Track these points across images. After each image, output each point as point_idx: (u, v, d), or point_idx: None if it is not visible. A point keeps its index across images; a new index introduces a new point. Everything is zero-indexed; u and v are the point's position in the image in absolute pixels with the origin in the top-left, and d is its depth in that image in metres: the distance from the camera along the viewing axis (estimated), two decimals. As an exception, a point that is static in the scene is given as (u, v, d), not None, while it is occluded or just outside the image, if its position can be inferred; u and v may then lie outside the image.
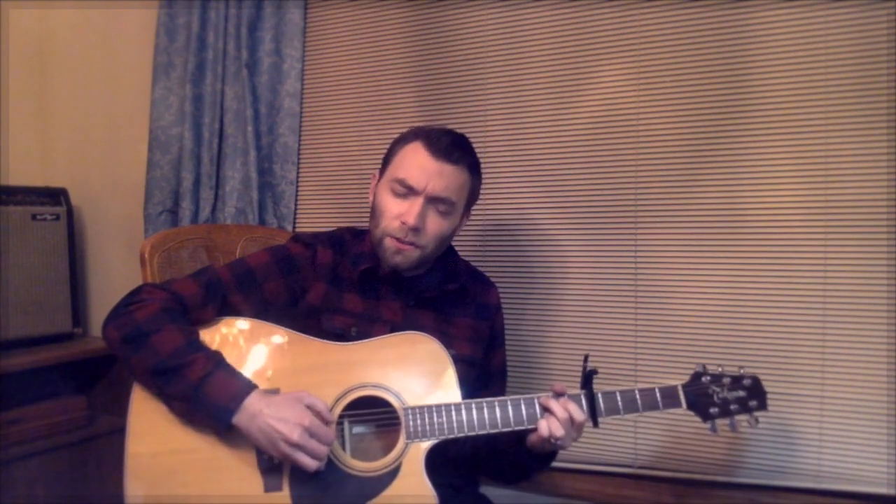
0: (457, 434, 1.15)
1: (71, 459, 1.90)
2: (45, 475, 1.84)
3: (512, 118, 1.69)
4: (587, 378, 1.18)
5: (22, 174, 2.14)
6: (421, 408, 1.16)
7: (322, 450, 1.09)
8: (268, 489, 1.11)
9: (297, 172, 1.92)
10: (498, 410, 1.17)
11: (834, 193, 1.43)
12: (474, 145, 1.33)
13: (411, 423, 1.15)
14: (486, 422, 1.16)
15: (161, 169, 1.96)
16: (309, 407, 1.10)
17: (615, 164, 1.60)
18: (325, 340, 1.22)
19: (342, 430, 1.16)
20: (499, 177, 1.70)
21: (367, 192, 1.37)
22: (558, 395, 1.17)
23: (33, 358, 1.84)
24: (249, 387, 1.11)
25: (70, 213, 2.03)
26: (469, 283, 1.37)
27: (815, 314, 1.45)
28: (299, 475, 1.10)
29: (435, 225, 1.27)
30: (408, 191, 1.25)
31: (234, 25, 1.88)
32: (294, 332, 1.22)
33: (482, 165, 1.36)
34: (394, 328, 1.27)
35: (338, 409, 1.15)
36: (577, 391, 1.19)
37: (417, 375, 1.19)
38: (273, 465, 1.11)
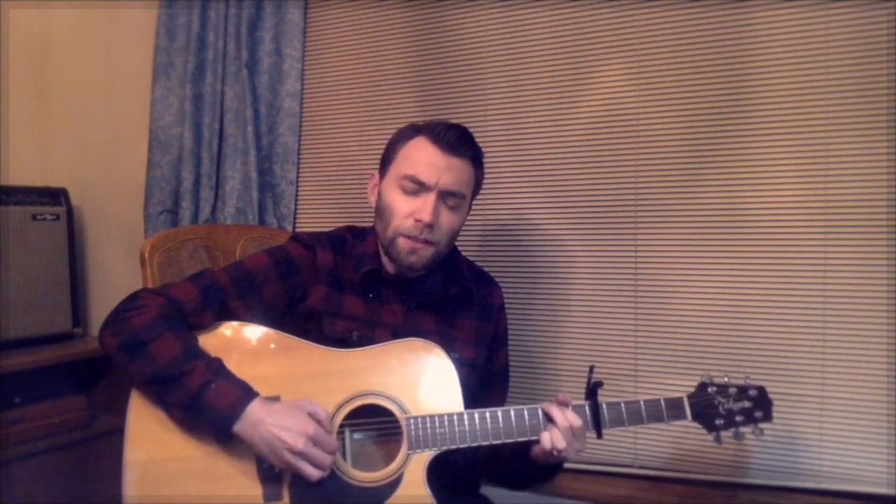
0: (459, 445, 1.14)
1: (71, 459, 1.90)
2: (45, 475, 1.84)
3: (512, 118, 1.69)
4: (592, 389, 1.17)
5: (22, 174, 2.14)
6: (423, 417, 1.14)
7: (326, 459, 1.08)
8: (267, 498, 1.10)
9: (297, 172, 1.92)
10: (501, 421, 1.15)
11: (834, 193, 1.43)
12: (475, 146, 1.32)
13: (413, 432, 1.13)
14: (489, 432, 1.15)
15: (161, 169, 1.96)
16: (311, 415, 1.09)
17: (615, 164, 1.60)
18: (326, 347, 1.20)
19: (343, 438, 1.15)
20: (499, 177, 1.70)
21: (367, 193, 1.35)
22: (561, 405, 1.16)
23: (33, 358, 1.84)
24: (250, 394, 1.09)
25: (70, 213, 2.03)
26: (472, 284, 1.36)
27: (815, 314, 1.45)
28: (299, 484, 1.09)
29: (447, 220, 1.25)
30: (419, 187, 1.22)
31: (234, 25, 1.89)
32: (295, 337, 1.20)
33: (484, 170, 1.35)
34: (395, 332, 1.26)
35: (339, 418, 1.14)
36: (581, 402, 1.18)
37: (420, 383, 1.17)
38: (273, 474, 1.10)
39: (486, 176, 1.36)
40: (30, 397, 1.88)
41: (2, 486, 1.74)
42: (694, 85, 1.53)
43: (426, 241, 1.23)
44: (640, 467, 1.60)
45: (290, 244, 1.32)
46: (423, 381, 1.18)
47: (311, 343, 1.20)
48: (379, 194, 1.30)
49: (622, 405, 1.18)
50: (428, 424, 1.14)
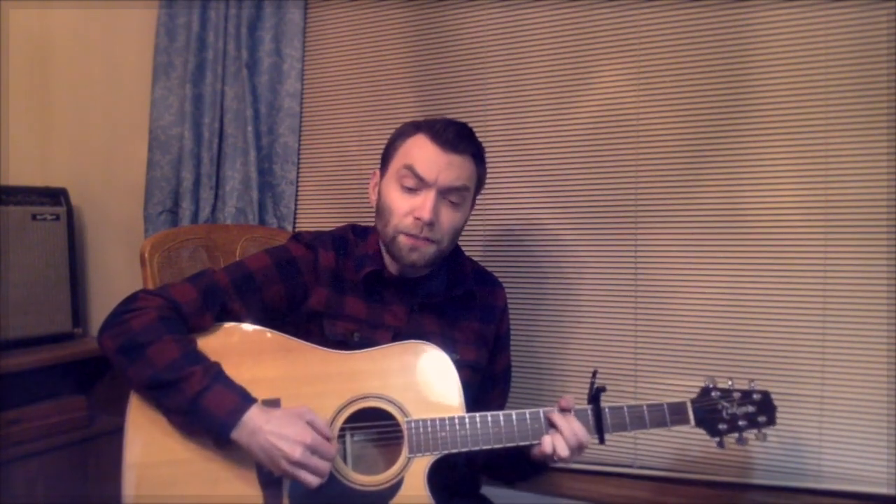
0: (460, 449, 1.13)
1: (71, 459, 1.90)
2: (45, 475, 1.84)
3: (512, 118, 1.69)
4: (595, 395, 1.16)
5: (22, 174, 2.14)
6: (424, 421, 1.13)
7: (324, 467, 1.07)
8: (267, 502, 1.09)
9: (297, 172, 1.92)
10: (503, 425, 1.15)
11: (834, 193, 1.43)
12: (476, 145, 1.32)
13: (414, 436, 1.13)
14: (491, 436, 1.14)
15: (161, 169, 1.96)
16: (310, 423, 1.08)
17: (615, 164, 1.60)
18: (327, 349, 1.19)
19: (344, 442, 1.14)
20: (499, 177, 1.70)
21: (368, 191, 1.34)
22: (564, 409, 1.16)
23: (33, 358, 1.84)
24: (248, 401, 1.08)
25: (70, 213, 2.03)
26: (475, 285, 1.34)
27: (815, 314, 1.45)
28: (299, 489, 1.08)
29: (448, 217, 1.23)
30: (418, 184, 1.21)
31: (234, 25, 1.89)
32: (296, 339, 1.19)
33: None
34: (397, 333, 1.25)
35: (339, 421, 1.14)
36: (584, 406, 1.17)
37: (421, 386, 1.16)
38: (273, 479, 1.10)
39: (486, 175, 1.35)
40: (30, 397, 1.88)
41: (2, 486, 1.74)
42: (694, 85, 1.53)
43: (427, 240, 1.22)
44: (641, 467, 1.60)
45: (292, 244, 1.30)
46: (425, 383, 1.17)
47: (312, 345, 1.19)
48: (379, 193, 1.28)
49: (625, 410, 1.17)
50: (429, 428, 1.13)
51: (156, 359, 1.09)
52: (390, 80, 1.82)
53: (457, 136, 1.22)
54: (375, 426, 1.16)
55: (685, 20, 1.53)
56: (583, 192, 1.63)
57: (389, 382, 1.16)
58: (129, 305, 1.15)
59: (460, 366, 1.23)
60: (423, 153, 1.22)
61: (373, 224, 1.34)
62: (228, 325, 1.20)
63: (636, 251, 1.59)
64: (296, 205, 1.92)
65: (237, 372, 1.12)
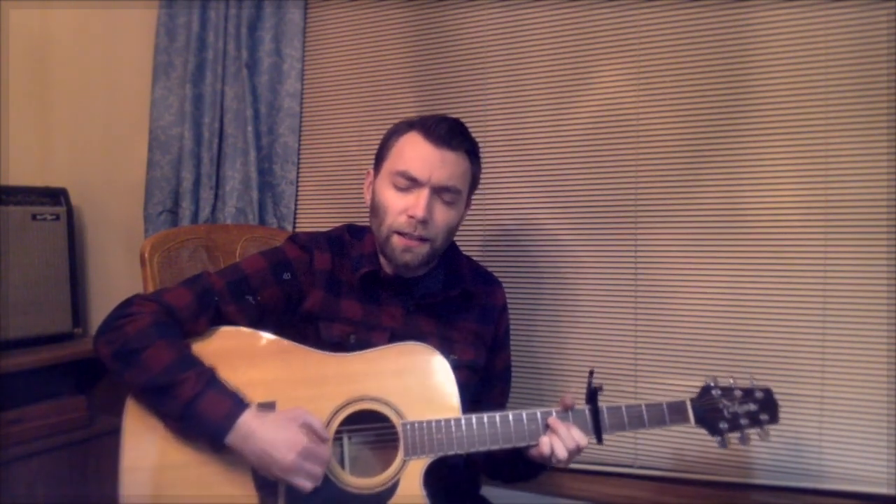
0: (456, 451, 1.13)
1: (71, 459, 1.90)
2: (45, 475, 1.84)
3: (512, 118, 1.69)
4: (592, 394, 1.16)
5: (22, 174, 2.14)
6: (420, 423, 1.13)
7: (318, 471, 1.07)
8: None
9: (297, 172, 1.92)
10: (499, 426, 1.14)
11: (834, 193, 1.43)
12: (474, 144, 1.32)
13: (410, 438, 1.12)
14: (487, 438, 1.14)
15: (161, 169, 1.96)
16: (305, 425, 1.08)
17: (615, 164, 1.60)
18: (323, 351, 1.19)
19: (340, 444, 1.14)
20: (499, 177, 1.70)
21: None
22: (566, 408, 1.16)
23: (33, 358, 1.84)
24: (241, 405, 1.08)
25: (70, 213, 2.03)
26: (472, 285, 1.34)
27: (815, 314, 1.45)
28: (296, 492, 1.08)
29: (442, 216, 1.23)
30: (411, 183, 1.21)
31: (234, 25, 1.88)
32: (292, 342, 1.19)
33: (482, 160, 1.34)
34: (393, 334, 1.25)
35: (335, 424, 1.13)
36: (582, 406, 1.17)
37: (417, 388, 1.16)
38: (268, 483, 1.09)
39: (486, 176, 1.35)
40: (30, 397, 1.87)
41: (2, 486, 1.74)
42: (694, 85, 1.53)
43: (421, 238, 1.21)
44: (641, 467, 1.60)
45: (287, 246, 1.30)
46: (421, 385, 1.16)
47: (308, 347, 1.19)
48: (373, 191, 1.28)
49: (623, 409, 1.16)
50: (425, 430, 1.13)
51: (150, 364, 1.09)
52: (390, 80, 1.82)
53: (449, 132, 1.22)
54: (371, 428, 1.15)
55: (685, 20, 1.53)
56: (582, 192, 1.63)
57: (386, 384, 1.15)
58: (124, 311, 1.15)
59: (458, 366, 1.22)
60: (416, 151, 1.21)
61: (369, 224, 1.33)
62: (224, 328, 1.20)
63: (636, 251, 1.59)
64: (296, 205, 1.92)
65: (233, 375, 1.12)
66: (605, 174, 1.61)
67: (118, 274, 2.15)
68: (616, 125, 1.60)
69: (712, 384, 1.18)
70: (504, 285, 1.42)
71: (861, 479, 1.42)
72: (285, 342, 1.19)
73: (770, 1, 1.46)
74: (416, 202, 1.20)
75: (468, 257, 1.42)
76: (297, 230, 1.91)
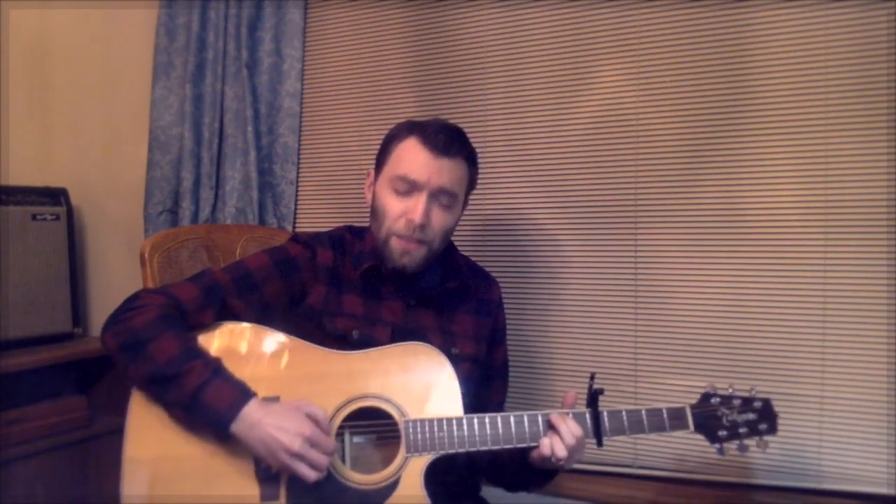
0: (457, 449, 1.13)
1: (71, 459, 1.90)
2: (45, 475, 1.84)
3: (512, 118, 1.69)
4: (593, 397, 1.16)
5: (22, 174, 2.14)
6: (422, 421, 1.14)
7: (323, 460, 1.07)
8: (264, 498, 1.10)
9: (297, 172, 1.92)
10: (501, 427, 1.15)
11: (834, 193, 1.43)
12: (474, 145, 1.32)
13: (411, 436, 1.13)
14: (489, 438, 1.14)
15: (161, 169, 1.96)
16: (309, 416, 1.09)
17: (615, 164, 1.60)
18: (327, 349, 1.20)
19: (342, 440, 1.15)
20: (499, 177, 1.70)
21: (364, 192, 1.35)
22: (567, 405, 1.16)
23: (33, 358, 1.84)
24: (247, 395, 1.09)
25: (70, 213, 2.03)
26: (470, 279, 1.36)
27: (815, 314, 1.45)
28: (297, 485, 1.09)
29: (440, 219, 1.25)
30: (410, 187, 1.23)
31: (234, 25, 1.88)
32: (296, 338, 1.20)
33: (481, 165, 1.36)
34: (395, 329, 1.26)
35: (338, 420, 1.14)
36: (582, 410, 1.17)
37: (420, 387, 1.17)
38: (270, 475, 1.10)
39: (486, 175, 1.36)
40: (30, 397, 1.88)
41: (2, 486, 1.74)
42: (694, 85, 1.53)
43: (419, 242, 1.24)
44: (641, 467, 1.60)
45: (290, 244, 1.32)
46: (423, 384, 1.17)
47: (312, 344, 1.20)
48: (374, 194, 1.30)
49: (623, 414, 1.16)
50: (426, 428, 1.14)
51: (156, 354, 1.10)
52: (390, 80, 1.82)
53: (448, 141, 1.24)
54: (373, 425, 1.16)
55: (685, 20, 1.53)
56: (582, 192, 1.63)
57: (388, 382, 1.16)
58: (130, 304, 1.17)
59: (460, 359, 1.23)
60: (414, 158, 1.23)
61: (369, 225, 1.35)
62: (229, 323, 1.21)
63: (636, 251, 1.59)
64: (296, 205, 1.92)
65: (237, 369, 1.13)
66: (605, 174, 1.61)
67: (118, 274, 2.15)
68: (616, 125, 1.60)
69: (712, 391, 1.18)
70: (504, 285, 1.43)
71: (861, 479, 1.42)
72: (289, 339, 1.20)
73: (770, 1, 1.46)
74: (415, 207, 1.22)
75: (464, 255, 1.43)
76: (297, 230, 1.91)
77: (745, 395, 1.18)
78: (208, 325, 1.19)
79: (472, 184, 1.33)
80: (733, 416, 1.17)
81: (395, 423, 1.14)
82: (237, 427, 1.07)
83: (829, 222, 1.44)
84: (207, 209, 1.93)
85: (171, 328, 1.13)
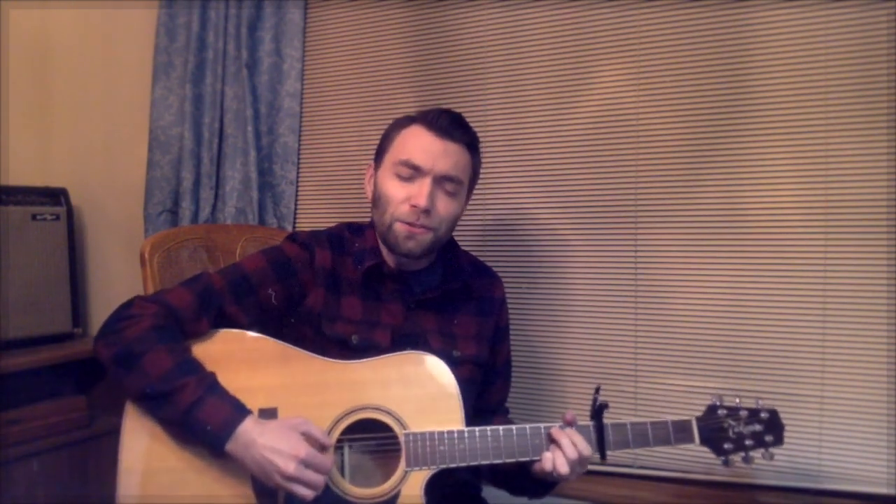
0: (458, 463, 1.12)
1: (71, 459, 1.90)
2: (45, 475, 1.84)
3: (512, 118, 1.69)
4: (598, 410, 1.14)
5: (22, 174, 2.14)
6: (422, 434, 1.12)
7: (318, 480, 1.05)
8: None
9: (297, 172, 1.92)
10: (502, 440, 1.13)
11: (834, 193, 1.43)
12: (475, 144, 1.32)
13: (412, 450, 1.11)
14: (490, 451, 1.13)
15: (161, 169, 1.96)
16: (305, 435, 1.06)
17: (615, 164, 1.60)
18: (325, 358, 1.17)
19: (341, 453, 1.13)
20: (499, 176, 1.70)
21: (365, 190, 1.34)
22: (568, 424, 1.14)
23: (33, 358, 1.84)
24: (242, 413, 1.07)
25: (70, 213, 2.03)
26: (472, 278, 1.34)
27: (815, 314, 1.44)
28: (294, 500, 1.07)
29: (444, 205, 1.23)
30: (414, 172, 1.21)
31: (234, 25, 1.88)
32: (294, 347, 1.18)
33: (482, 162, 1.35)
34: (394, 332, 1.24)
35: (337, 432, 1.12)
36: (587, 422, 1.15)
37: (420, 398, 1.14)
38: (267, 490, 1.08)
39: (485, 175, 1.36)
40: (30, 397, 1.87)
41: (2, 486, 1.74)
42: (694, 85, 1.53)
43: (424, 227, 1.22)
44: (641, 467, 1.60)
45: (287, 244, 1.29)
46: (424, 395, 1.15)
47: (311, 353, 1.17)
48: (375, 184, 1.28)
49: (628, 426, 1.14)
50: (427, 441, 1.12)
51: (149, 369, 1.08)
52: (390, 80, 1.82)
53: (451, 124, 1.23)
54: (373, 438, 1.14)
55: (685, 20, 1.53)
56: (583, 192, 1.63)
57: (389, 393, 1.14)
58: (124, 313, 1.14)
59: (462, 362, 1.22)
60: (418, 142, 1.22)
61: (367, 221, 1.33)
62: (226, 331, 1.18)
63: (636, 251, 1.59)
64: (296, 205, 1.92)
65: (234, 379, 1.11)
66: (605, 174, 1.61)
67: (118, 274, 2.15)
68: (616, 125, 1.60)
69: (718, 403, 1.16)
70: (504, 285, 1.42)
71: (861, 479, 1.42)
72: (288, 347, 1.18)
73: (770, 1, 1.46)
74: (419, 191, 1.20)
75: (467, 252, 1.41)
76: (297, 230, 1.91)
77: (752, 406, 1.16)
78: (204, 333, 1.17)
79: (475, 172, 1.31)
80: (739, 428, 1.15)
81: (396, 436, 1.13)
82: (232, 446, 1.05)
83: (829, 222, 1.44)
84: (207, 209, 1.93)
85: (165, 340, 1.10)
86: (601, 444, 1.14)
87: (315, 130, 1.92)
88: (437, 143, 1.22)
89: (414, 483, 1.11)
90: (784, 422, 1.18)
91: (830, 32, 1.42)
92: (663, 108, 1.56)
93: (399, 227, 1.22)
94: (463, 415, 1.14)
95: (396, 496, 1.10)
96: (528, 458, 1.14)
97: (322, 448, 1.08)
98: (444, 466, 1.12)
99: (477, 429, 1.13)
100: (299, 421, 1.08)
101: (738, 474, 1.51)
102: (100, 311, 2.17)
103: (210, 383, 1.09)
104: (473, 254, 1.48)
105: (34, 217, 1.94)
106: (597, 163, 1.62)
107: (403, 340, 1.23)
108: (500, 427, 1.14)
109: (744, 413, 1.16)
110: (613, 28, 1.59)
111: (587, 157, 1.63)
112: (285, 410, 1.12)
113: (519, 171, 1.69)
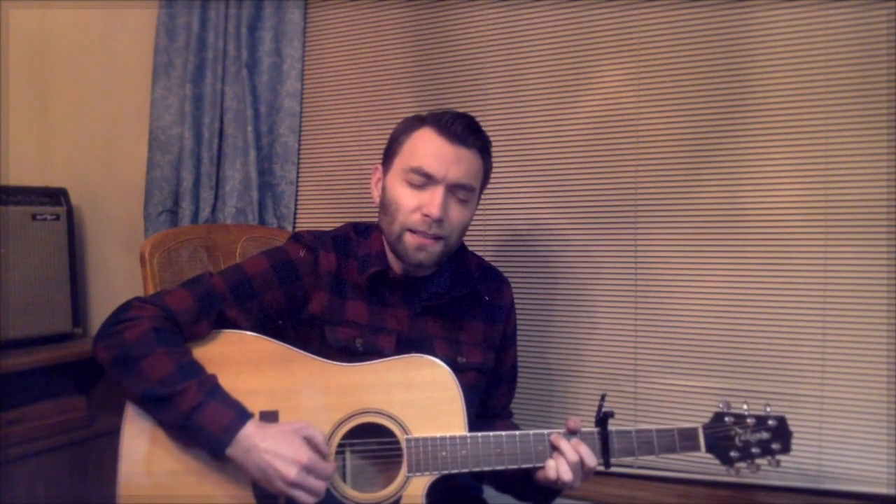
0: (460, 469, 1.11)
1: (71, 459, 1.90)
2: (45, 475, 1.84)
3: (512, 118, 1.69)
4: (603, 419, 1.13)
5: (22, 174, 2.14)
6: (424, 439, 1.11)
7: (320, 486, 1.04)
8: None
9: (297, 172, 1.92)
10: (505, 446, 1.11)
11: (834, 193, 1.43)
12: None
13: (413, 455, 1.10)
14: (493, 457, 1.11)
15: (161, 169, 1.96)
16: (307, 439, 1.06)
17: (615, 164, 1.60)
18: (328, 361, 1.16)
19: (343, 458, 1.12)
20: (499, 177, 1.69)
21: (367, 191, 1.32)
22: (571, 432, 1.12)
23: (33, 358, 1.84)
24: (244, 417, 1.05)
25: (70, 213, 2.03)
26: (480, 283, 1.31)
27: (815, 314, 1.44)
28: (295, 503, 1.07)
29: (457, 214, 1.19)
30: (426, 180, 1.17)
31: (234, 25, 1.89)
32: (296, 349, 1.16)
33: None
34: (399, 338, 1.22)
35: (338, 436, 1.11)
36: (591, 429, 1.14)
37: (423, 403, 1.13)
38: (268, 494, 1.08)
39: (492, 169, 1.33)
40: (30, 397, 1.87)
41: (2, 486, 1.74)
42: (694, 85, 1.53)
43: (435, 237, 1.18)
44: (641, 467, 1.60)
45: (291, 246, 1.26)
46: (427, 400, 1.13)
47: (313, 356, 1.16)
48: (383, 189, 1.24)
49: (633, 434, 1.13)
50: (429, 447, 1.11)
51: (149, 373, 1.07)
52: (390, 80, 1.82)
53: (465, 130, 1.19)
54: (374, 443, 1.13)
55: (685, 20, 1.53)
56: (583, 192, 1.63)
57: (391, 397, 1.13)
58: (122, 315, 1.12)
59: (466, 369, 1.21)
60: (430, 148, 1.18)
61: (374, 221, 1.30)
62: (228, 333, 1.17)
63: (636, 251, 1.59)
64: (296, 205, 1.92)
65: (235, 382, 1.10)
66: (605, 174, 1.61)
67: (118, 274, 2.15)
68: (616, 125, 1.60)
69: (725, 410, 1.14)
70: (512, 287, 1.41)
71: (861, 479, 1.42)
72: (290, 350, 1.16)
73: (770, 1, 1.46)
74: (432, 200, 1.16)
75: (475, 255, 1.39)
76: (297, 230, 1.91)
77: (760, 413, 1.14)
78: (204, 335, 1.16)
79: (486, 177, 1.28)
80: (746, 436, 1.13)
81: (397, 441, 1.12)
82: (233, 451, 1.04)
83: (829, 222, 1.43)
84: (207, 209, 1.93)
85: (165, 344, 1.09)
86: (605, 453, 1.12)
87: (315, 130, 1.92)
88: (450, 149, 1.17)
89: (415, 488, 1.10)
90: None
91: (830, 32, 1.42)
92: (663, 108, 1.56)
93: (409, 239, 1.19)
94: (466, 420, 1.13)
95: (398, 501, 1.10)
96: (531, 465, 1.13)
97: (323, 454, 1.07)
98: (446, 472, 1.11)
99: (479, 434, 1.12)
100: (301, 425, 1.07)
101: (739, 475, 1.51)
102: (100, 311, 2.16)
103: (211, 387, 1.07)
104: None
105: (34, 217, 1.94)
106: (597, 163, 1.62)
107: (408, 346, 1.21)
108: (503, 433, 1.13)
109: (751, 421, 1.13)
110: (613, 28, 1.59)
111: (587, 157, 1.62)
112: (286, 414, 1.12)
113: (519, 171, 1.69)
